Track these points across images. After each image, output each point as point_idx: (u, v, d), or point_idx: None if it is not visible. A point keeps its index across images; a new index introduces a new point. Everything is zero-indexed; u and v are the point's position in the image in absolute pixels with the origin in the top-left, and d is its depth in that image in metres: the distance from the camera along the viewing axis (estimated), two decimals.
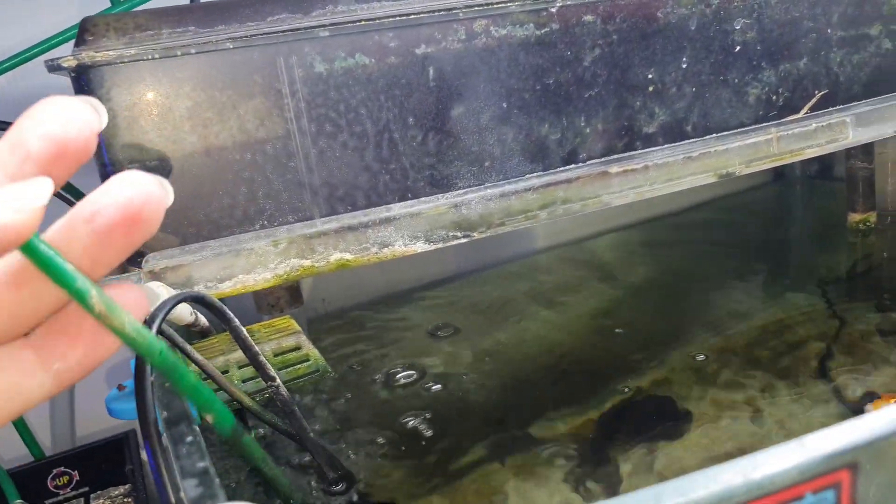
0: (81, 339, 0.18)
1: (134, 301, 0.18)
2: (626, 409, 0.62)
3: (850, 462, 0.22)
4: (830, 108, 0.64)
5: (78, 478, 0.64)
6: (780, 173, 1.09)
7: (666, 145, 0.58)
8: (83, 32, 0.42)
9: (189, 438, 0.27)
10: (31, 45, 0.61)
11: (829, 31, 0.63)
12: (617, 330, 0.75)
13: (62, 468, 0.64)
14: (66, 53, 0.43)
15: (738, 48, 0.59)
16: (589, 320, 0.77)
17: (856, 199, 0.84)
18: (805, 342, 0.68)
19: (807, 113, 0.64)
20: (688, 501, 0.21)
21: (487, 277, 0.89)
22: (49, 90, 0.69)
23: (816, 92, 0.64)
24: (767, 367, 0.66)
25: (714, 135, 0.59)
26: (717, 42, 0.58)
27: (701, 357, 0.68)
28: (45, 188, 0.17)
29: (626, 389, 0.64)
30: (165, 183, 0.18)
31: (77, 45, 0.43)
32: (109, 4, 0.64)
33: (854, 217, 0.84)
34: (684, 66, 0.57)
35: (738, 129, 0.60)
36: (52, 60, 0.42)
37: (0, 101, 0.65)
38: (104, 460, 0.65)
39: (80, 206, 0.18)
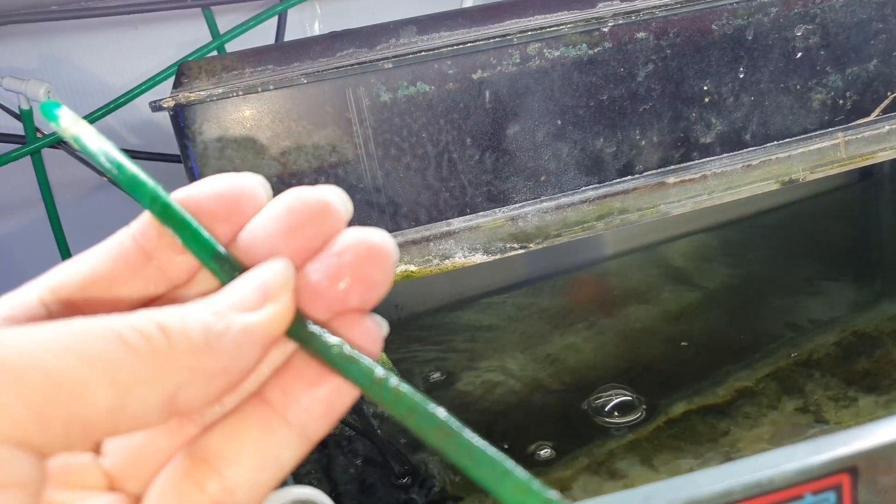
0: (322, 381, 0.17)
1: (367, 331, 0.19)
2: (696, 416, 0.62)
3: (849, 466, 0.23)
4: None
5: None
6: (866, 172, 1.04)
7: (724, 154, 0.58)
8: (180, 76, 0.48)
9: None
10: (135, 86, 0.69)
11: None
12: (686, 340, 0.75)
13: None
14: (164, 92, 0.49)
15: (799, 55, 0.59)
16: (662, 326, 0.78)
17: None
18: (891, 352, 0.66)
19: (878, 115, 0.62)
20: (689, 497, 0.23)
21: (556, 284, 0.91)
22: (149, 125, 0.77)
23: (889, 94, 0.62)
24: (852, 378, 0.64)
25: (775, 142, 0.59)
26: (776, 50, 0.58)
27: (779, 366, 0.68)
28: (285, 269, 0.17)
29: (697, 397, 0.64)
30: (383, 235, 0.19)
31: (175, 86, 0.49)
32: (197, 47, 0.71)
33: None
34: (742, 75, 0.57)
35: (802, 136, 0.60)
36: (154, 101, 0.48)
37: (116, 129, 0.73)
38: None
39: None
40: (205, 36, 0.75)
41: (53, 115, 0.20)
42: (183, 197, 0.19)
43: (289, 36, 0.82)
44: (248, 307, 0.17)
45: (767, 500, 0.23)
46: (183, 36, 0.74)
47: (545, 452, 0.61)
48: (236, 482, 0.16)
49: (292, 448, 0.17)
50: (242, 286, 0.18)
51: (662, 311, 0.83)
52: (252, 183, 0.19)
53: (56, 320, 0.15)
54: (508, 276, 0.91)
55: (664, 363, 0.73)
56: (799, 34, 0.58)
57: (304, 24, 0.87)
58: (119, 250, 0.19)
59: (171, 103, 0.47)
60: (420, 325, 0.84)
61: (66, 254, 0.73)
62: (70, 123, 0.20)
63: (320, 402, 0.17)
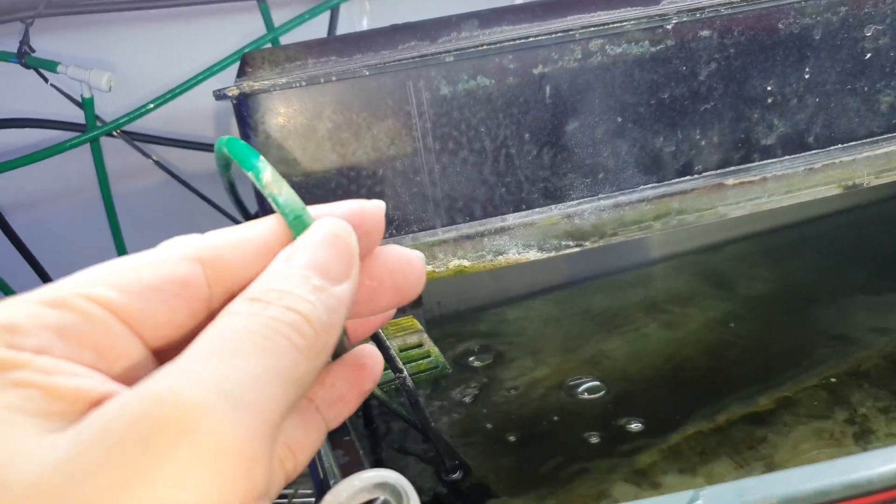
0: (352, 402, 0.23)
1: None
2: (737, 424, 0.61)
3: None
4: None
5: None
6: None
7: (785, 157, 0.57)
8: (244, 65, 0.49)
9: None
10: (196, 74, 0.70)
11: None
12: (731, 347, 0.73)
13: None
14: (227, 77, 0.49)
15: (868, 55, 0.57)
16: (705, 333, 0.76)
17: None
18: None
19: None
20: (785, 494, 0.22)
21: (599, 286, 0.90)
22: (210, 110, 0.78)
23: None
24: None
25: (839, 145, 0.58)
26: (844, 50, 0.56)
27: (826, 376, 0.66)
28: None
29: (739, 405, 0.63)
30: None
31: (238, 76, 0.49)
32: (256, 37, 0.72)
33: None
34: (807, 76, 0.56)
35: (868, 139, 0.58)
36: (218, 90, 0.49)
37: (172, 119, 0.75)
38: None
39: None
40: (259, 29, 0.76)
41: (255, 167, 0.20)
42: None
43: (338, 31, 0.82)
44: (337, 277, 0.19)
45: (866, 501, 0.22)
46: (238, 28, 0.75)
47: (586, 453, 0.60)
48: (301, 463, 0.22)
49: (322, 441, 0.24)
50: (327, 255, 0.20)
51: (707, 318, 0.81)
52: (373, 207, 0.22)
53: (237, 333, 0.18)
54: (552, 277, 0.90)
55: (707, 369, 0.71)
56: (868, 34, 0.56)
57: (352, 20, 0.87)
58: (262, 238, 0.21)
59: (236, 92, 0.48)
60: (460, 322, 0.84)
61: (118, 240, 0.74)
62: (271, 180, 0.20)
63: (345, 414, 0.23)
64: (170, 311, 0.18)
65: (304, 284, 0.19)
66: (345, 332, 0.23)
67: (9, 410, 0.15)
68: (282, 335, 0.18)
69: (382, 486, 0.25)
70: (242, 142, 0.21)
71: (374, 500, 0.25)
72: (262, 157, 0.21)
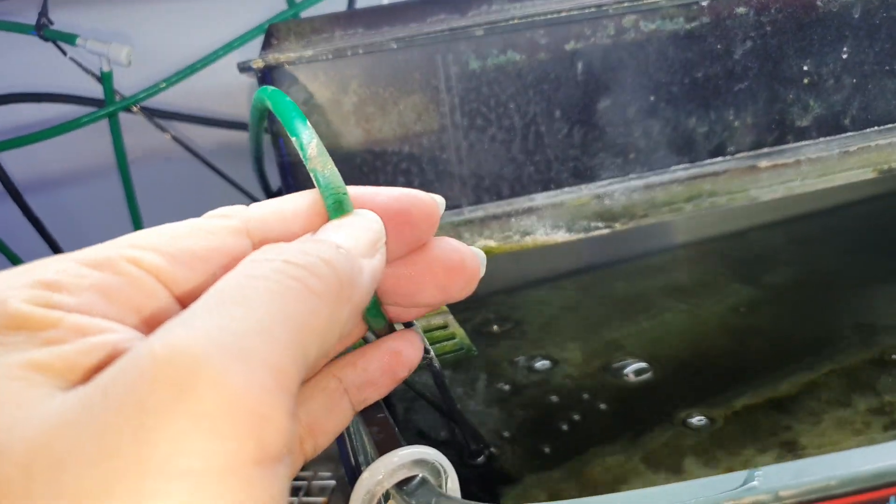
0: (383, 388, 0.23)
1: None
2: (759, 411, 0.60)
3: None
4: None
5: None
6: None
7: (820, 139, 0.56)
8: (269, 37, 0.48)
9: None
10: (218, 48, 0.69)
11: None
12: (753, 334, 0.72)
13: None
14: (247, 53, 0.48)
15: None
16: (728, 319, 0.75)
17: None
18: None
19: None
20: (845, 475, 0.21)
21: (620, 271, 0.89)
22: (231, 86, 0.77)
23: None
24: None
25: (876, 128, 0.56)
26: (884, 30, 0.55)
27: (850, 364, 0.65)
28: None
29: (761, 392, 0.62)
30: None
31: (264, 48, 0.48)
32: (283, 8, 0.71)
33: None
34: (845, 56, 0.55)
35: None
36: (242, 63, 0.48)
37: (192, 95, 0.74)
38: None
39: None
40: (279, 2, 0.75)
41: (299, 134, 0.19)
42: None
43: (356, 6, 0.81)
44: (363, 252, 0.19)
45: None
46: (258, 3, 0.74)
47: (604, 437, 0.59)
48: (321, 446, 0.22)
49: (349, 420, 0.23)
50: (356, 233, 0.19)
51: (729, 305, 0.80)
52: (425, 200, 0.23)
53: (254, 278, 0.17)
54: (572, 261, 0.89)
55: (729, 356, 0.70)
56: None
57: None
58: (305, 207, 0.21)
59: (261, 64, 0.47)
60: (479, 304, 0.83)
61: (136, 218, 0.73)
62: (316, 154, 0.19)
63: (374, 397, 0.23)
64: (215, 281, 0.18)
65: (328, 244, 0.18)
66: (386, 314, 0.23)
67: (29, 370, 0.14)
68: (294, 277, 0.16)
69: (421, 463, 0.24)
70: (288, 98, 0.20)
71: (413, 477, 0.24)
72: (308, 123, 0.20)
